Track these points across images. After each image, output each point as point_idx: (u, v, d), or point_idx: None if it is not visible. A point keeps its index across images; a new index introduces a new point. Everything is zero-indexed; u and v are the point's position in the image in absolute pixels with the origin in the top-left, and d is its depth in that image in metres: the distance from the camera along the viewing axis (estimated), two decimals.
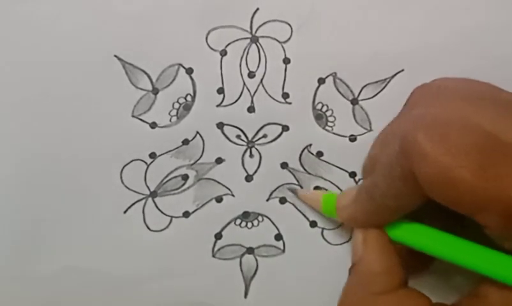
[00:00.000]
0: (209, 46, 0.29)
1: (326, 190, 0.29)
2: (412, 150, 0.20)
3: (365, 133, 0.29)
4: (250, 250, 0.30)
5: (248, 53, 0.29)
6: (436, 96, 0.23)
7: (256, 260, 0.30)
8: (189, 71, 0.29)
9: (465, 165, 0.19)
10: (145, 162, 0.30)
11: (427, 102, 0.23)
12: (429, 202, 0.22)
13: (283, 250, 0.30)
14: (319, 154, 0.30)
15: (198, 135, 0.30)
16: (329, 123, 0.30)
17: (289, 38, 0.29)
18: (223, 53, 0.29)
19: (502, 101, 0.22)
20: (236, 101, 0.30)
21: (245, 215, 0.30)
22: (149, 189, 0.30)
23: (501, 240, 0.20)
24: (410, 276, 0.25)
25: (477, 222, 0.20)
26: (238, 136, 0.30)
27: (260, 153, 0.30)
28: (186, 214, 0.30)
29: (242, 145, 0.30)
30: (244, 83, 0.29)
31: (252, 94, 0.29)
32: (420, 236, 0.24)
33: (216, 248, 0.30)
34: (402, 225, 0.24)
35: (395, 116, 0.26)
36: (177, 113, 0.30)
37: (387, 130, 0.25)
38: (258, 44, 0.29)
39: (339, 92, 0.29)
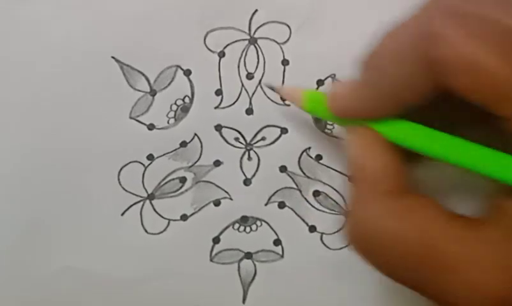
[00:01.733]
0: (207, 47, 0.29)
1: None
2: (432, 33, 0.18)
3: None
4: (248, 255, 0.30)
5: (246, 54, 0.29)
6: None
7: (255, 265, 0.30)
8: (187, 73, 0.29)
9: (490, 50, 0.18)
10: (143, 164, 0.30)
11: None
12: (433, 105, 0.20)
13: (282, 256, 0.30)
14: (318, 157, 0.29)
15: (196, 137, 0.29)
16: (328, 126, 0.29)
17: (288, 39, 0.29)
18: (221, 54, 0.29)
19: None
20: (234, 102, 0.29)
21: (243, 220, 0.30)
22: (146, 191, 0.30)
23: None
24: None
25: (497, 113, 0.18)
26: (236, 139, 0.29)
27: (258, 156, 0.29)
28: (184, 217, 0.30)
29: (241, 148, 0.29)
30: (243, 85, 0.29)
31: (250, 95, 0.29)
32: (418, 137, 0.22)
33: (214, 253, 0.30)
34: (398, 125, 0.22)
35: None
36: (175, 114, 0.29)
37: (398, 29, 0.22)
38: (256, 45, 0.29)
39: None
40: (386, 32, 0.23)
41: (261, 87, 0.29)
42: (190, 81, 0.29)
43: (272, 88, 0.27)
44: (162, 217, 0.30)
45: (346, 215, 0.23)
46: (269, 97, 0.29)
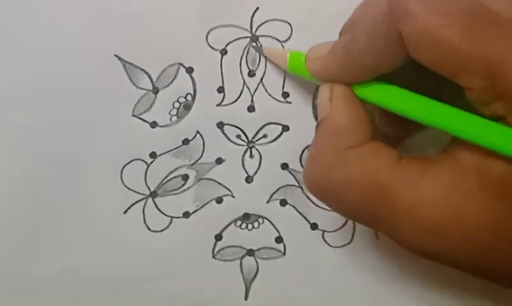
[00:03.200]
0: (209, 45, 0.29)
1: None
2: (400, 8, 0.20)
3: None
4: (251, 252, 0.30)
5: (248, 52, 0.29)
6: None
7: (257, 262, 0.30)
8: (190, 70, 0.29)
9: (452, 25, 0.19)
10: (146, 162, 0.30)
11: None
12: (404, 68, 0.21)
13: (284, 253, 0.30)
14: None
15: (198, 135, 0.30)
16: None
17: (289, 37, 0.29)
18: (223, 52, 0.29)
19: None
20: (236, 100, 0.29)
21: (245, 217, 0.30)
22: (149, 189, 0.30)
23: (481, 104, 0.20)
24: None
25: (459, 84, 0.20)
26: (238, 136, 0.29)
27: (260, 154, 0.30)
28: (186, 214, 0.30)
29: (243, 145, 0.30)
30: (244, 82, 0.29)
31: (252, 93, 0.29)
32: (390, 96, 0.23)
33: (216, 250, 0.30)
34: (371, 84, 0.23)
35: None
36: (178, 112, 0.29)
37: None
38: (258, 43, 0.29)
39: None
40: (363, 2, 0.25)
41: (262, 85, 0.29)
42: (192, 78, 0.29)
43: (259, 51, 0.29)
44: (164, 214, 0.30)
45: (306, 160, 0.24)
46: (270, 95, 0.29)
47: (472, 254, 0.21)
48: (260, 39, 0.29)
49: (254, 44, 0.29)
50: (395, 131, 0.26)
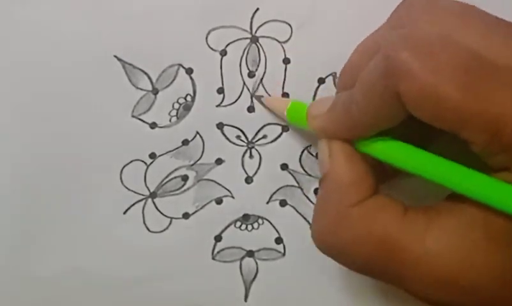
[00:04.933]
0: (208, 46, 0.29)
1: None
2: (397, 69, 0.20)
3: None
4: (250, 253, 0.30)
5: (248, 53, 0.29)
6: (422, 13, 0.22)
7: (257, 263, 0.30)
8: (189, 71, 0.29)
9: (451, 82, 0.19)
10: (145, 163, 0.30)
11: (412, 18, 0.22)
12: (404, 122, 0.21)
13: (284, 254, 0.30)
14: None
15: (198, 135, 0.30)
16: None
17: (289, 38, 0.29)
18: (223, 53, 0.29)
19: (490, 20, 0.22)
20: (236, 100, 0.29)
21: (245, 218, 0.30)
22: (148, 190, 0.30)
23: (485, 156, 0.20)
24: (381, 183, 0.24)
25: (462, 138, 0.20)
26: (238, 137, 0.29)
27: (260, 154, 0.30)
28: (186, 215, 0.30)
29: (242, 146, 0.30)
30: (244, 83, 0.29)
31: (252, 93, 0.29)
32: (390, 150, 0.22)
33: (215, 251, 0.30)
34: (371, 138, 0.23)
35: (379, 27, 0.25)
36: (177, 113, 0.29)
37: (370, 40, 0.25)
38: (258, 44, 0.29)
39: None
40: (360, 46, 0.25)
41: (262, 86, 0.29)
42: (192, 79, 0.29)
43: (260, 101, 0.29)
44: (164, 215, 0.30)
45: (313, 216, 0.24)
46: (270, 95, 0.29)
47: (480, 303, 0.20)
48: (260, 40, 0.29)
49: (256, 94, 0.29)
50: (388, 170, 0.26)
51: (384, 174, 0.25)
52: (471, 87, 0.19)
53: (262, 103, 0.29)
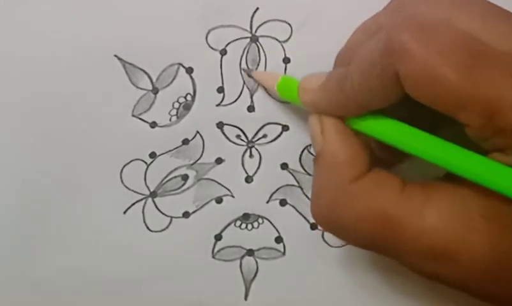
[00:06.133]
0: (209, 45, 0.29)
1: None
2: (397, 49, 0.20)
3: None
4: (250, 252, 0.30)
5: (247, 52, 0.29)
6: None
7: (257, 262, 0.30)
8: (189, 71, 0.29)
9: (450, 64, 0.19)
10: (145, 162, 0.30)
11: (414, 2, 0.22)
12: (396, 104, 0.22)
13: (284, 253, 0.30)
14: None
15: (198, 135, 0.30)
16: None
17: (289, 38, 0.29)
18: (223, 52, 0.29)
19: (490, 8, 0.22)
20: (236, 100, 0.29)
21: (245, 217, 0.30)
22: (148, 189, 0.30)
23: (480, 139, 0.20)
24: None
25: (458, 121, 0.20)
26: (238, 136, 0.30)
27: (260, 154, 0.30)
28: (186, 214, 0.30)
29: (242, 145, 0.30)
30: (244, 83, 0.29)
31: (252, 93, 0.29)
32: (382, 127, 0.23)
33: (216, 250, 0.30)
34: (363, 116, 0.23)
35: (381, 10, 0.25)
36: (177, 112, 0.29)
37: (371, 21, 0.25)
38: (258, 43, 0.29)
39: None
40: (361, 27, 0.25)
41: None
42: (192, 79, 0.29)
43: (249, 74, 0.29)
44: (164, 214, 0.30)
45: (311, 193, 0.24)
46: (270, 95, 0.29)
47: (479, 281, 0.21)
48: (260, 39, 0.29)
49: (245, 67, 0.29)
50: (390, 156, 0.26)
51: (384, 161, 0.25)
52: (470, 70, 0.19)
53: (251, 77, 0.29)
